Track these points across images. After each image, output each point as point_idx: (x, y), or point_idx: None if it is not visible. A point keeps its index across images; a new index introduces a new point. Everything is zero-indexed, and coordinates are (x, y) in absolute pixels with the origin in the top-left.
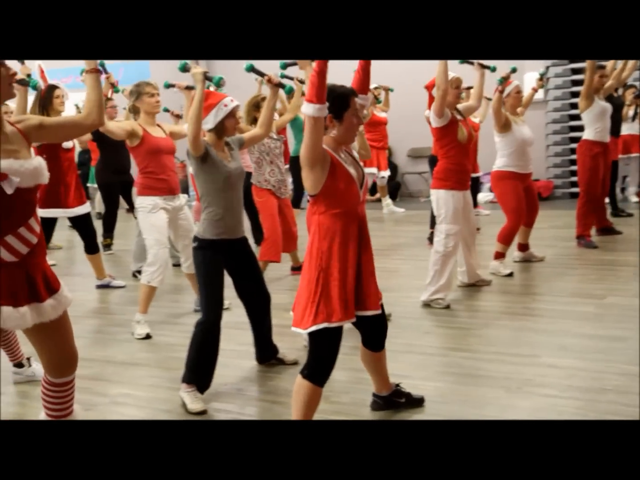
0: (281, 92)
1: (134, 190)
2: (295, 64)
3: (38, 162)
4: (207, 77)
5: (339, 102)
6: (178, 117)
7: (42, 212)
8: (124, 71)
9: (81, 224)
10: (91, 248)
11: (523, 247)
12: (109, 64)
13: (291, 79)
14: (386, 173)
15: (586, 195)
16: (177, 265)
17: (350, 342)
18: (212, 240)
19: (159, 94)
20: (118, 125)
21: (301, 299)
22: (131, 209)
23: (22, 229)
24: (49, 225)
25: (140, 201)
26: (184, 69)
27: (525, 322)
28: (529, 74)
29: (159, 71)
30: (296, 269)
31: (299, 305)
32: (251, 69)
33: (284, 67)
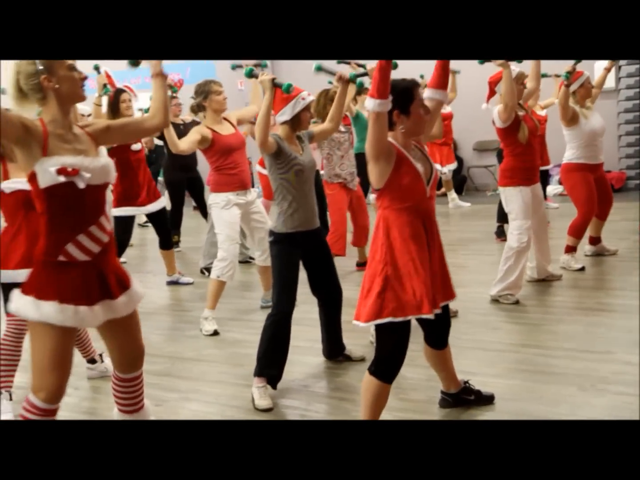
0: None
1: (207, 188)
2: (366, 74)
3: (106, 160)
4: (275, 84)
5: (403, 95)
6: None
7: (117, 212)
8: (191, 70)
9: (157, 220)
10: (166, 244)
11: (595, 240)
12: (175, 63)
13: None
14: (452, 166)
15: None
16: (243, 262)
17: (421, 339)
18: (288, 233)
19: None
20: (189, 140)
21: (364, 292)
22: (198, 207)
23: (93, 227)
24: (126, 224)
25: (213, 198)
26: (250, 75)
27: (599, 318)
28: (599, 62)
29: (225, 70)
30: (362, 264)
31: (362, 299)
32: (320, 69)
33: (354, 77)
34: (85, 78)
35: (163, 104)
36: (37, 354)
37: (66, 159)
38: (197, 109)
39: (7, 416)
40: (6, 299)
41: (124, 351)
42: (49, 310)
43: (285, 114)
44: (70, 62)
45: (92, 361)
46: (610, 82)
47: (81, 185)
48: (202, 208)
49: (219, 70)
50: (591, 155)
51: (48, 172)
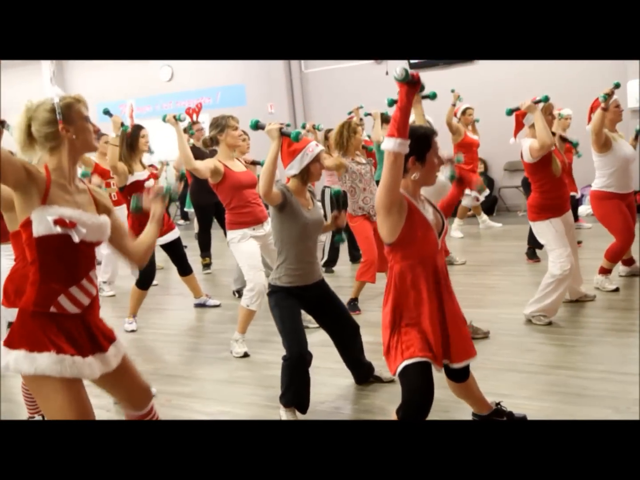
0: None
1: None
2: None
3: (104, 219)
4: (283, 133)
5: (421, 142)
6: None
7: None
8: (221, 95)
9: (172, 249)
10: (184, 270)
11: (628, 261)
12: (206, 88)
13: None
14: (485, 193)
15: None
16: None
17: None
18: (285, 287)
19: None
20: (204, 164)
21: (385, 349)
22: (225, 232)
23: (84, 280)
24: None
25: (230, 235)
26: (256, 127)
27: (633, 339)
28: (632, 81)
29: (255, 93)
30: None
31: (386, 354)
32: (255, 126)
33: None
34: (97, 131)
35: (150, 248)
36: (53, 413)
37: (65, 210)
38: (210, 142)
39: None
40: None
41: (132, 394)
42: (45, 362)
43: (294, 167)
44: (86, 113)
45: None
46: (633, 102)
47: (76, 239)
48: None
49: (248, 92)
50: (623, 184)
51: (45, 220)
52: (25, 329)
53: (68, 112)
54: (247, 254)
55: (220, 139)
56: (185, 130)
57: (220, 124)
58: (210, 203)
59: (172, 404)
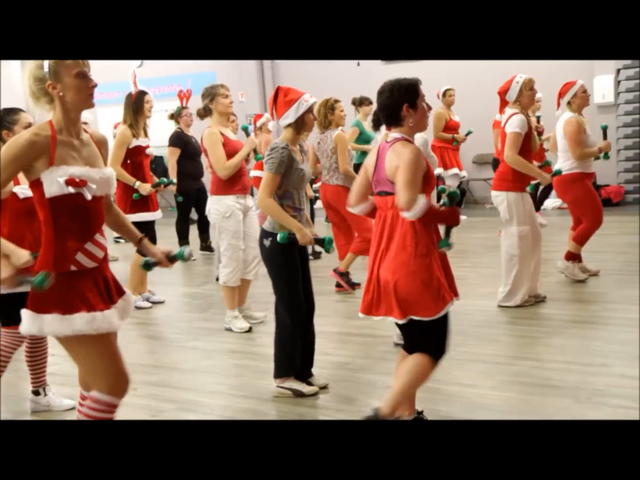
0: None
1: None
2: None
3: (110, 171)
4: None
5: (411, 91)
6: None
7: (135, 217)
8: (192, 81)
9: (151, 229)
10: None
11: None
12: (176, 75)
13: None
14: (453, 170)
15: None
16: None
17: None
18: (289, 233)
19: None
20: (217, 144)
21: (413, 289)
22: (199, 219)
23: (97, 234)
24: (147, 229)
25: (214, 202)
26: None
27: (596, 331)
28: (598, 77)
29: (226, 80)
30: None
31: (415, 295)
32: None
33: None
34: (94, 86)
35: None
36: (97, 363)
37: (74, 169)
38: (203, 112)
39: None
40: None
41: (107, 369)
42: (80, 322)
43: (289, 117)
44: (79, 69)
45: (36, 392)
46: (609, 97)
47: (88, 197)
48: (202, 221)
49: (219, 81)
50: (587, 165)
51: (56, 182)
52: (52, 292)
53: (57, 68)
54: (230, 232)
55: (212, 108)
56: (172, 116)
57: (211, 93)
58: (192, 189)
59: (139, 393)
